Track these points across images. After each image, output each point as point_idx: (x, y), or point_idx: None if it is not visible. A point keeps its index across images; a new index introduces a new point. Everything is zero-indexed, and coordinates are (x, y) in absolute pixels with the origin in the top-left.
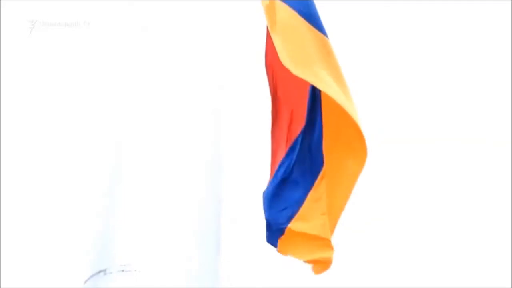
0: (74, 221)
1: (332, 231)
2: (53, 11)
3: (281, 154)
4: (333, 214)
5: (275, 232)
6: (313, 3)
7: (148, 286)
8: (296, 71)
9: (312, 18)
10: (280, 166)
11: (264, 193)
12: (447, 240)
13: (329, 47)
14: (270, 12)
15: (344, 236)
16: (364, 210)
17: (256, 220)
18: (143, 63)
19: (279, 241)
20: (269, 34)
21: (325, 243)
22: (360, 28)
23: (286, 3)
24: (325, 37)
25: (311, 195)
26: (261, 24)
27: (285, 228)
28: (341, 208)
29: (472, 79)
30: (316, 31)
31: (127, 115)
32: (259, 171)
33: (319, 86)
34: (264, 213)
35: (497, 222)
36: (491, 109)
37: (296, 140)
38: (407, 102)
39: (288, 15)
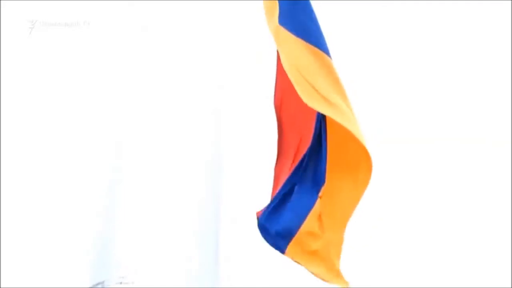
0: (74, 221)
1: (336, 252)
2: (53, 11)
3: (284, 178)
4: (335, 235)
5: (282, 237)
6: (316, 20)
7: (149, 286)
8: (310, 103)
9: (313, 38)
10: (283, 185)
11: (264, 209)
12: (447, 240)
13: (330, 65)
14: (278, 40)
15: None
16: (363, 210)
17: (256, 220)
18: (143, 63)
19: (289, 246)
20: (279, 66)
21: (330, 266)
22: (359, 28)
23: (286, 27)
24: (326, 55)
25: (313, 211)
26: (261, 24)
27: (295, 233)
28: (341, 229)
29: (472, 79)
30: (316, 49)
31: (127, 115)
32: (259, 171)
33: (333, 116)
34: (262, 220)
35: (497, 222)
36: (491, 109)
37: (302, 160)
38: (407, 102)
39: (288, 39)
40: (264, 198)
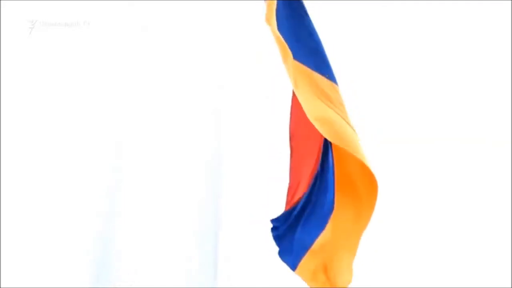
0: (75, 221)
1: (346, 274)
2: (53, 11)
3: (300, 195)
4: (343, 259)
5: (295, 252)
6: (321, 45)
7: (149, 286)
8: (338, 142)
9: (320, 67)
10: (299, 203)
11: (279, 219)
12: (447, 240)
13: (338, 93)
14: (295, 76)
15: None
16: None
17: (256, 220)
18: (143, 63)
19: (301, 262)
20: (294, 100)
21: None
22: (360, 28)
23: (300, 61)
24: (334, 83)
25: (323, 235)
26: (261, 24)
27: (307, 250)
28: (351, 253)
29: (472, 79)
30: (324, 78)
31: (127, 115)
32: (258, 171)
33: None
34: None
35: (497, 222)
36: (491, 109)
37: (314, 183)
38: (407, 102)
39: (303, 73)
40: (263, 198)
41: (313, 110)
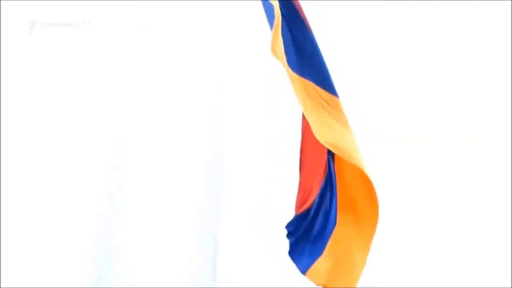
0: (75, 221)
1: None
2: (53, 11)
3: (313, 195)
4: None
5: (307, 257)
6: (326, 67)
7: (149, 286)
8: (328, 145)
9: (320, 81)
10: (313, 205)
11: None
12: (447, 240)
13: (338, 104)
14: (301, 94)
15: None
16: None
17: (256, 220)
18: (143, 63)
19: (313, 266)
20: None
21: None
22: (360, 28)
23: (302, 75)
24: (335, 97)
25: (332, 241)
26: (261, 24)
27: (318, 256)
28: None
29: (472, 79)
30: (326, 92)
31: (127, 115)
32: (258, 171)
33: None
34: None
35: (497, 222)
36: (490, 109)
37: (325, 185)
38: (407, 102)
39: (309, 88)
40: (263, 198)
41: (322, 132)
